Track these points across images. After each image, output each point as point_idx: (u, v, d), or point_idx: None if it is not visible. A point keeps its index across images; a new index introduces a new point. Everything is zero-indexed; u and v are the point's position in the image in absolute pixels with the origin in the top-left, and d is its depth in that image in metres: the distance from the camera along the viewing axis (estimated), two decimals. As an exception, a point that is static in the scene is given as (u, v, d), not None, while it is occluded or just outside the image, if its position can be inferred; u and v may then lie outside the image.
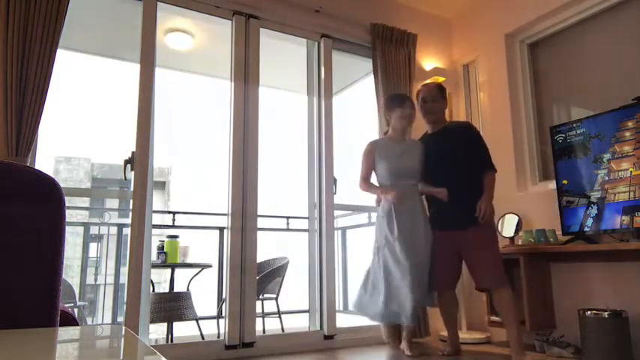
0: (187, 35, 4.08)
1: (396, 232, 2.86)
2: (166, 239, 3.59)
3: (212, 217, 4.49)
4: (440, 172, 2.95)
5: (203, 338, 3.55)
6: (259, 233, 3.20)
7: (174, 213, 4.42)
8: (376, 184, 3.08)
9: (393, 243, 2.87)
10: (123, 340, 0.82)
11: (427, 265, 2.89)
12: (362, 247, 4.71)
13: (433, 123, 3.06)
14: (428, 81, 3.65)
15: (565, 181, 3.06)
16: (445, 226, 2.91)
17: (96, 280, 8.68)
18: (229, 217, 3.12)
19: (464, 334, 3.53)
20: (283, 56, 4.28)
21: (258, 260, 3.30)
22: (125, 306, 2.69)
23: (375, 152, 3.06)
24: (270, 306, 4.09)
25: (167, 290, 3.66)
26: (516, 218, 3.41)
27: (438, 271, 2.91)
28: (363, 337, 3.44)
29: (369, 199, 3.27)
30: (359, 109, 4.44)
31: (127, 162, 2.82)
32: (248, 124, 3.25)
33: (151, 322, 3.21)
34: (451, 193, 2.86)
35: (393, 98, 3.19)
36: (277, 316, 4.05)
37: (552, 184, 3.22)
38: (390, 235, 2.89)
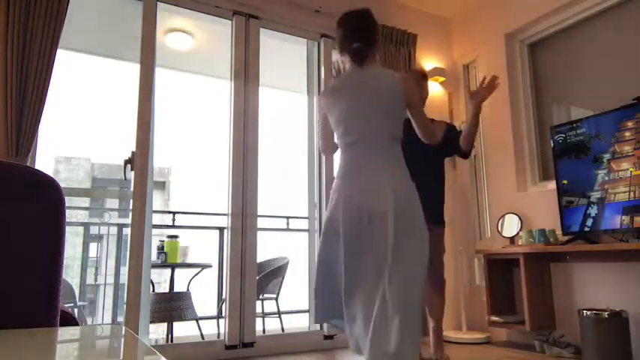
0: (187, 35, 4.08)
1: None
2: (166, 239, 3.60)
3: (212, 217, 4.49)
4: (414, 168, 2.94)
5: (203, 338, 3.55)
6: (259, 233, 3.20)
7: (174, 213, 4.42)
8: None
9: None
10: (123, 340, 0.82)
11: None
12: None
13: None
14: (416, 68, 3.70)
15: (565, 181, 3.06)
16: None
17: (96, 280, 8.70)
18: (229, 217, 3.12)
19: (464, 334, 3.53)
20: (283, 56, 4.28)
21: (258, 260, 3.30)
22: (125, 306, 2.69)
23: None
24: (270, 306, 4.09)
25: (167, 290, 3.66)
26: (516, 218, 3.41)
27: None
28: (363, 337, 3.44)
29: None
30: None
31: (127, 162, 2.82)
32: (248, 124, 3.25)
33: (151, 322, 3.21)
34: (422, 191, 2.87)
35: None
36: (277, 316, 4.05)
37: (552, 184, 3.21)
38: None
